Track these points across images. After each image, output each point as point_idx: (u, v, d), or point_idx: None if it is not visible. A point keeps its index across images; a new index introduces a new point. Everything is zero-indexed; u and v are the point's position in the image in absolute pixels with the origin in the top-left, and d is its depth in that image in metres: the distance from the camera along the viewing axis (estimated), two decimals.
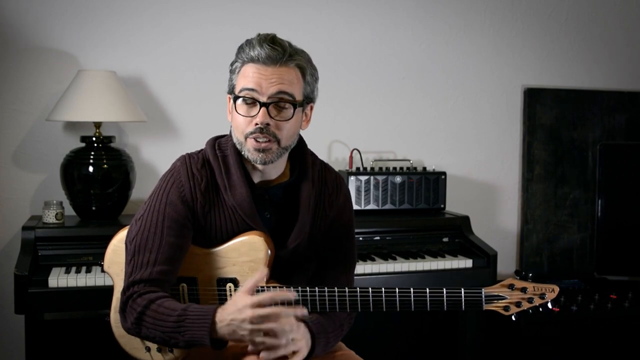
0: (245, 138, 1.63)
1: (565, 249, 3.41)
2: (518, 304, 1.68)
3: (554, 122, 3.39)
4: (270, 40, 1.60)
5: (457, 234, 2.89)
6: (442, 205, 2.98)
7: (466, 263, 2.72)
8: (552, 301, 1.71)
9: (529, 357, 2.79)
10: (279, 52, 1.59)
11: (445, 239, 2.87)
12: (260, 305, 1.47)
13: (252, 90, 1.60)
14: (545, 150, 3.38)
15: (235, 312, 1.47)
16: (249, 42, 1.63)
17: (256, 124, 1.60)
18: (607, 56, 3.51)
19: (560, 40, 3.44)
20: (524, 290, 1.69)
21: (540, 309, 1.71)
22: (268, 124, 1.60)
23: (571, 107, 3.41)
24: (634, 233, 3.19)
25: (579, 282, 3.15)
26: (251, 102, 1.62)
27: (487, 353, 3.00)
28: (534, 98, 3.37)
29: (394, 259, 2.70)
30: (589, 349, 2.84)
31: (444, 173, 2.99)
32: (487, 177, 3.38)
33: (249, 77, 1.60)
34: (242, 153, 1.66)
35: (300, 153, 1.77)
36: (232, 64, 1.68)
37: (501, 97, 3.37)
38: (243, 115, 1.63)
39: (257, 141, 1.61)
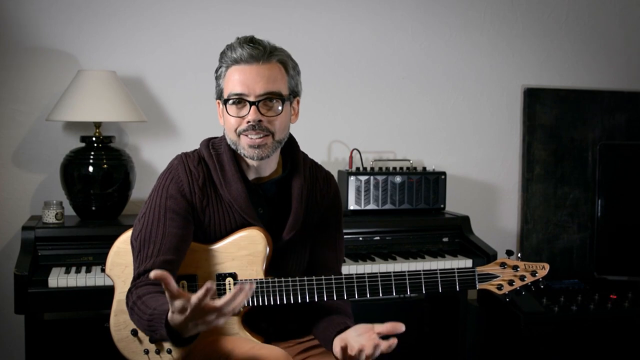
0: (239, 135, 1.67)
1: (565, 249, 3.41)
2: (510, 282, 1.72)
3: (553, 122, 3.39)
4: (250, 41, 1.67)
5: (457, 234, 2.89)
6: (442, 205, 2.98)
7: (466, 263, 2.72)
8: (544, 278, 1.73)
9: (529, 357, 2.79)
10: (260, 50, 1.65)
11: (445, 239, 2.88)
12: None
13: (240, 94, 1.65)
14: (545, 150, 3.38)
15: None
16: (229, 46, 1.69)
17: (248, 122, 1.65)
18: (607, 56, 3.51)
19: (560, 40, 3.44)
20: (515, 268, 1.73)
21: (533, 288, 1.74)
22: (260, 120, 1.65)
23: (571, 107, 3.41)
24: (634, 233, 3.20)
25: (578, 282, 3.15)
26: (240, 103, 1.66)
27: (487, 353, 3.01)
28: (533, 98, 3.37)
29: (394, 259, 2.70)
30: (589, 349, 2.84)
31: (444, 173, 2.99)
32: (487, 177, 3.38)
33: (235, 81, 1.66)
34: (238, 151, 1.70)
35: (291, 149, 1.82)
36: (216, 70, 1.73)
37: (501, 97, 3.37)
38: (234, 116, 1.67)
39: (250, 138, 1.66)
